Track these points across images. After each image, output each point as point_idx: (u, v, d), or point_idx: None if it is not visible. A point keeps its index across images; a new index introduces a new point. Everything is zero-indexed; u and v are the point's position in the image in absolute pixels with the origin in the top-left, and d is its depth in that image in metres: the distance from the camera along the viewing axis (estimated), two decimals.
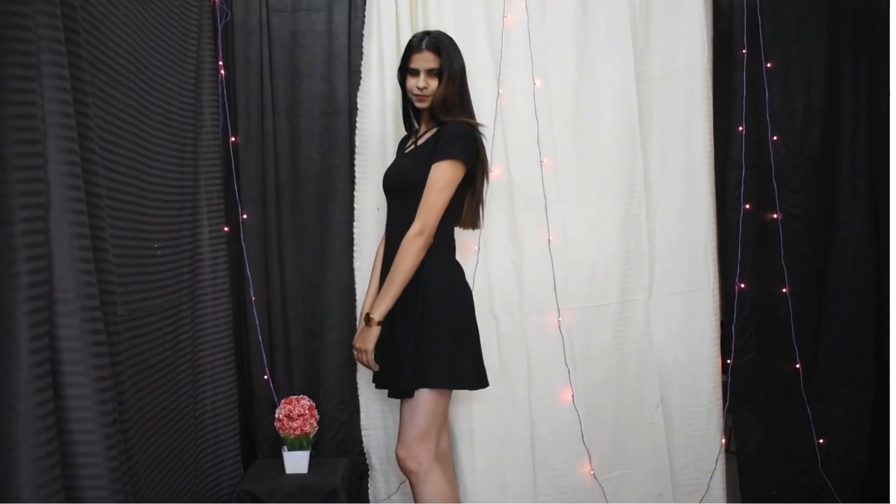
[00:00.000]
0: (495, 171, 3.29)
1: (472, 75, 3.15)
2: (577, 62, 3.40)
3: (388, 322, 2.56)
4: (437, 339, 2.53)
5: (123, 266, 2.16)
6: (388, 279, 2.53)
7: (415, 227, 2.49)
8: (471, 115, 2.74)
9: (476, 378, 2.67)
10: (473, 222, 2.79)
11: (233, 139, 3.33)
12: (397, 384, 2.56)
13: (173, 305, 2.62)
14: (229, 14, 3.32)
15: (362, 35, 3.33)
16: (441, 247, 2.62)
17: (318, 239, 3.37)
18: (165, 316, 2.54)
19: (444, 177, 2.52)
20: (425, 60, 2.65)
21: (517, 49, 3.34)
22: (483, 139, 2.68)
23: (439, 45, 2.66)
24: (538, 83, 3.35)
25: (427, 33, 2.71)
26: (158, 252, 2.49)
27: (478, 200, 2.74)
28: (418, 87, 2.66)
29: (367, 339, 2.54)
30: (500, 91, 3.33)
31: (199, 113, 2.98)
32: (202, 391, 2.86)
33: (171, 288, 2.61)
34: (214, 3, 3.30)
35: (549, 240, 3.36)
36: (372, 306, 2.56)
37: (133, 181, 2.29)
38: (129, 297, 2.17)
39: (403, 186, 2.66)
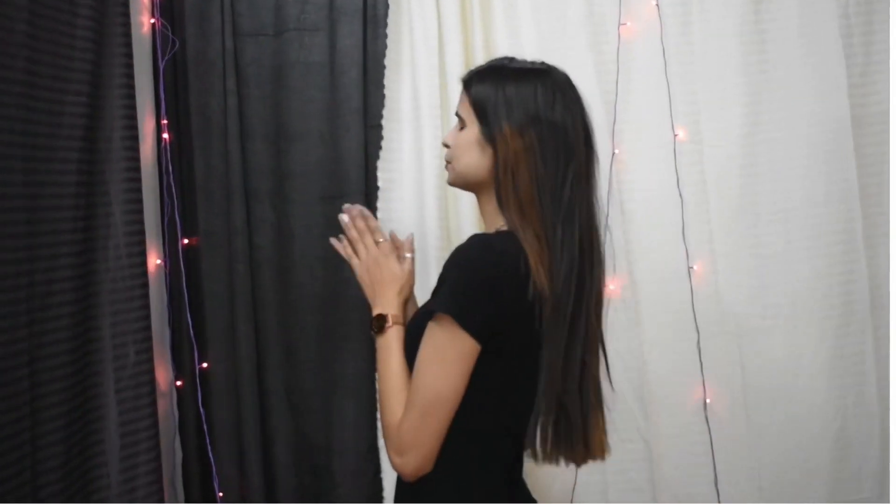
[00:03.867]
0: (611, 285, 2.00)
1: None
2: (747, 98, 2.15)
3: None
4: None
5: None
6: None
7: (388, 443, 1.33)
8: (540, 214, 1.35)
9: None
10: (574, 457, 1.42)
11: (185, 241, 2.12)
12: None
13: None
14: (177, 43, 2.09)
15: (384, 66, 2.10)
16: (458, 463, 1.32)
17: (323, 398, 2.16)
18: None
19: (435, 352, 1.30)
20: (460, 102, 1.44)
21: (643, 78, 2.15)
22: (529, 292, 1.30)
23: (481, 74, 1.41)
24: (680, 134, 2.12)
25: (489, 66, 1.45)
26: None
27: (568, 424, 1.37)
28: (443, 144, 1.48)
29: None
30: (616, 150, 2.09)
31: (102, 214, 1.83)
32: None
33: None
34: (154, 26, 2.09)
35: (705, 401, 2.03)
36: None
37: None
38: None
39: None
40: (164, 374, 2.11)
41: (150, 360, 1.88)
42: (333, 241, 1.50)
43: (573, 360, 1.31)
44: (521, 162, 1.33)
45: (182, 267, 2.13)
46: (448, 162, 1.45)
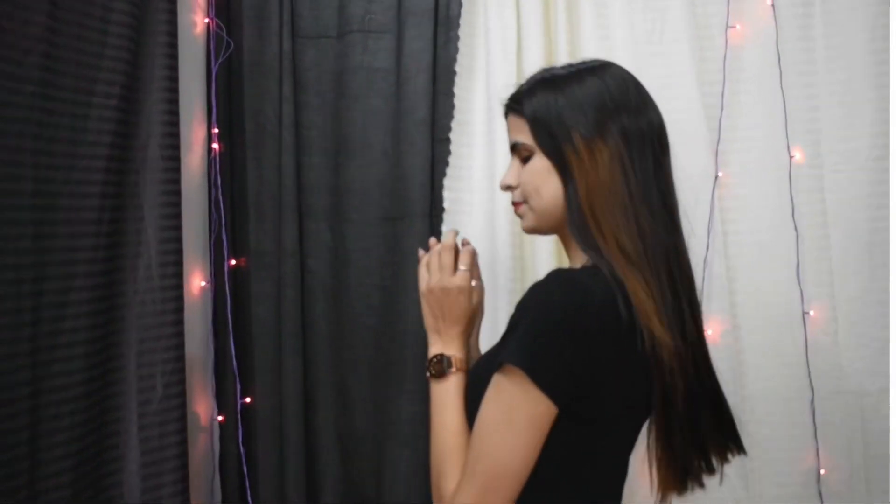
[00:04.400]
0: (709, 330, 1.73)
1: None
2: (877, 115, 1.82)
3: None
4: None
5: None
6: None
7: (449, 485, 1.11)
8: (641, 243, 1.12)
9: None
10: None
11: (232, 261, 1.93)
12: None
13: None
14: (231, 45, 1.92)
15: (455, 72, 1.87)
16: None
17: (374, 444, 1.92)
18: None
19: (501, 413, 1.09)
20: (511, 131, 1.22)
21: (754, 90, 1.87)
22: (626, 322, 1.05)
23: (528, 92, 1.20)
24: (797, 156, 1.84)
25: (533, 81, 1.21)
26: None
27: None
28: (502, 188, 1.25)
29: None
30: (720, 173, 1.81)
31: (132, 230, 1.65)
32: None
33: None
34: (208, 27, 1.92)
35: (819, 472, 1.74)
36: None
37: None
38: None
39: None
40: (205, 408, 1.92)
41: (181, 395, 1.69)
42: (421, 250, 1.31)
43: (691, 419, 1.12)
44: (607, 177, 1.09)
45: (227, 290, 1.94)
46: (519, 203, 1.21)
